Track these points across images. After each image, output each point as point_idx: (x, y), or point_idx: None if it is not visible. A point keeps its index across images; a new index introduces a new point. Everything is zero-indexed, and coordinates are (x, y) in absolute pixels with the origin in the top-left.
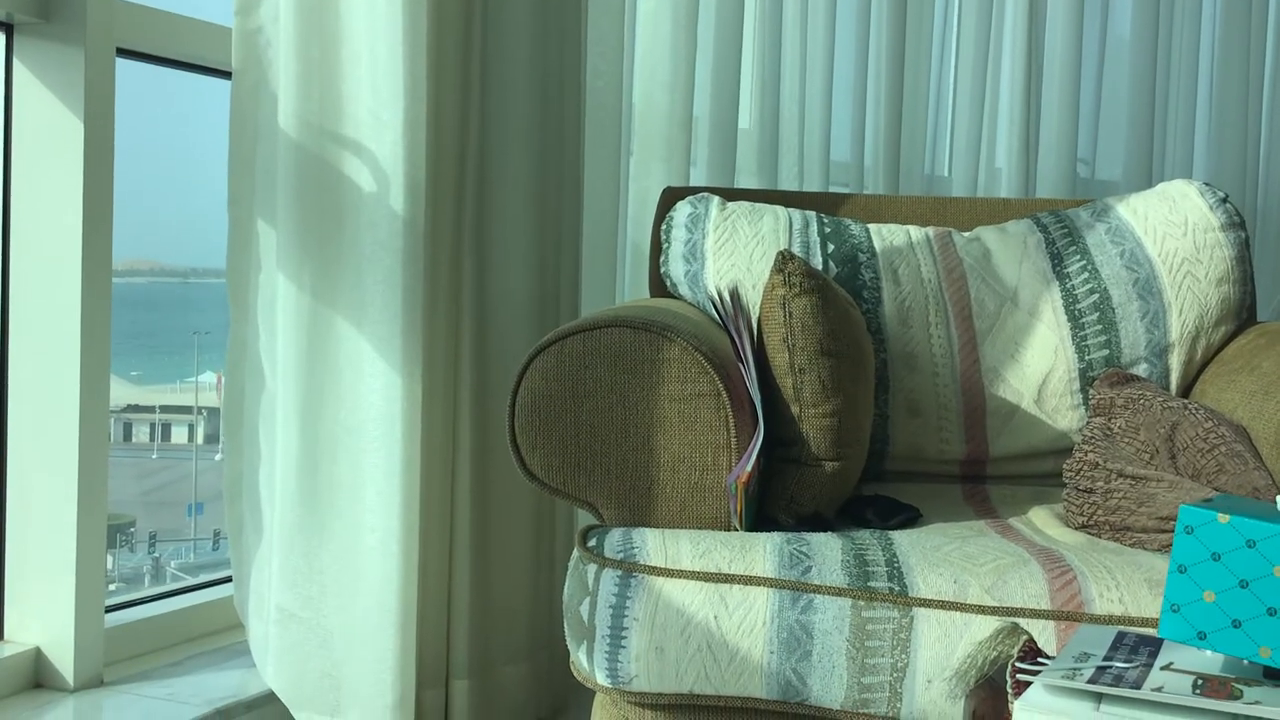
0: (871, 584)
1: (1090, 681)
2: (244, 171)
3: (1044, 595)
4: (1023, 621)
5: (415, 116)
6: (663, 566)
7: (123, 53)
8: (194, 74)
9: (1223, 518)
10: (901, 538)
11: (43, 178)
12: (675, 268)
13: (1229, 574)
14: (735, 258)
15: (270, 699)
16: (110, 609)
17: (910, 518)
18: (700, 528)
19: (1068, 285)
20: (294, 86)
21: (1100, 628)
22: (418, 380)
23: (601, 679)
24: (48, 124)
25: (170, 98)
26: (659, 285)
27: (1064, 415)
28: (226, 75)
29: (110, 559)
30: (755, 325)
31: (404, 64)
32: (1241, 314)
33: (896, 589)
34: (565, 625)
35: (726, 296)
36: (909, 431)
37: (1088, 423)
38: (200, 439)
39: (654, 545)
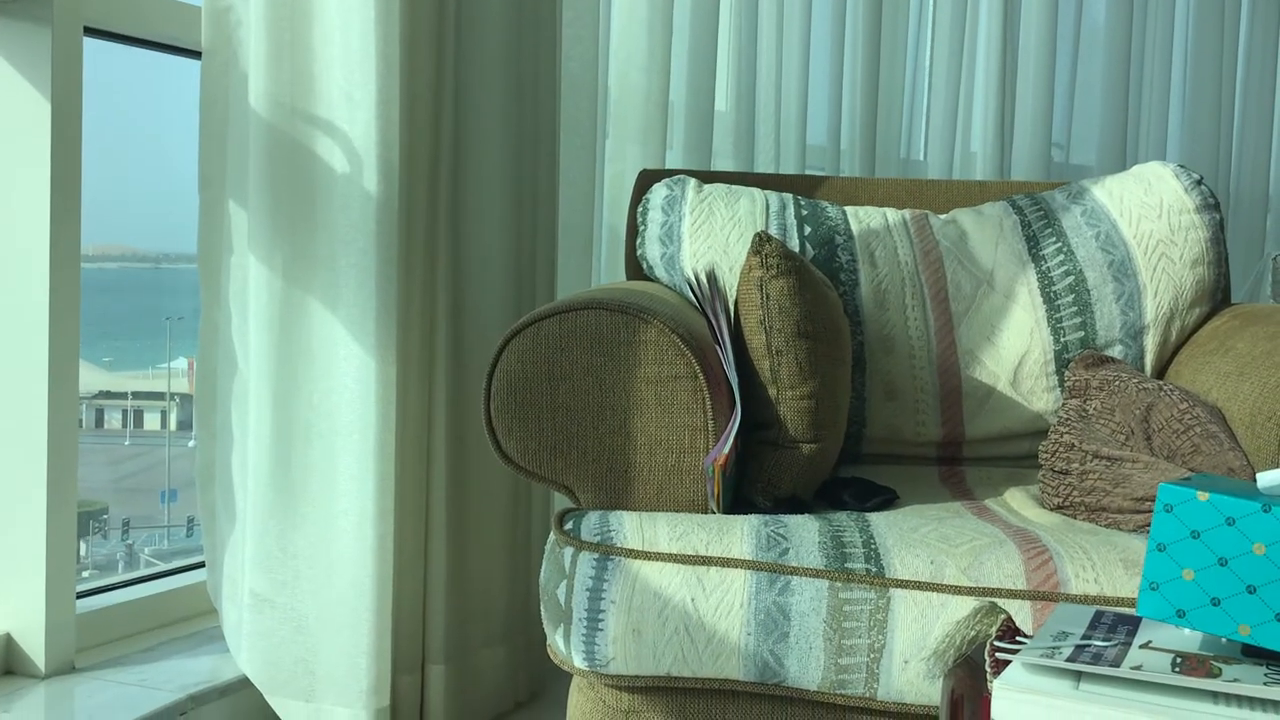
0: (848, 565)
1: (1069, 660)
2: (215, 153)
3: (1020, 575)
4: (999, 602)
5: (388, 96)
6: (640, 549)
7: (90, 32)
8: (163, 54)
9: (1202, 495)
10: (878, 519)
11: (9, 160)
12: (651, 250)
13: (1208, 552)
14: (712, 240)
15: (244, 684)
16: (83, 595)
17: (887, 499)
18: (677, 510)
19: (1043, 267)
20: (265, 66)
21: (1078, 607)
22: (392, 363)
23: (579, 662)
24: (14, 105)
25: (139, 78)
26: (635, 268)
27: (1040, 397)
28: (196, 55)
29: (83, 546)
30: (732, 307)
31: (376, 43)
32: (1216, 295)
33: (873, 570)
34: (542, 609)
35: (703, 278)
36: (886, 413)
37: (1063, 404)
38: (173, 425)
39: (631, 528)
